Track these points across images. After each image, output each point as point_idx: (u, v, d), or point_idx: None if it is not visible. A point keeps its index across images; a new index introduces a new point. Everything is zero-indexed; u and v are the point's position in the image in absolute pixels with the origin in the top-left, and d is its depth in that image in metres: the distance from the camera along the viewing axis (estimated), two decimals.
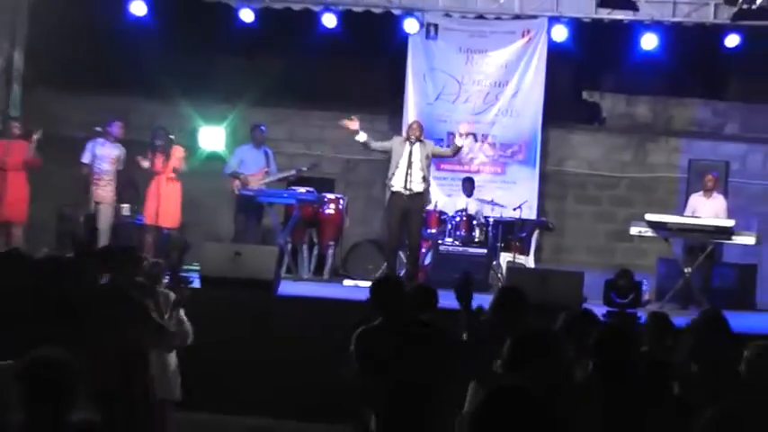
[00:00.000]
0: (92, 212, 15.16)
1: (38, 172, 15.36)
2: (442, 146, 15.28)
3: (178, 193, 15.29)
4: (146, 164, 15.06)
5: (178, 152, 15.28)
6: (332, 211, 16.11)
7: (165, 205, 15.11)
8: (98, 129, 15.37)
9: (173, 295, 8.78)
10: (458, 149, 14.34)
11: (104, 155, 15.33)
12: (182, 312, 8.69)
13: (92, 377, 7.07)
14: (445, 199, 16.18)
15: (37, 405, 4.88)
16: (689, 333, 6.56)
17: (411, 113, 16.69)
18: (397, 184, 13.48)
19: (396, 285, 7.76)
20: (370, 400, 7.18)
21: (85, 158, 15.19)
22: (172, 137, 15.27)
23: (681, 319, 7.91)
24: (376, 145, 14.12)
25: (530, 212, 16.53)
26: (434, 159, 14.73)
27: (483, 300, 7.65)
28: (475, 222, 15.59)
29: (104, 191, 15.22)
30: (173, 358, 8.79)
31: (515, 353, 5.06)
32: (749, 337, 7.43)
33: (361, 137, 13.92)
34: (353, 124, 14.07)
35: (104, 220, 15.14)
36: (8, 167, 15.18)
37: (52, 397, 4.89)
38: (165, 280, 8.91)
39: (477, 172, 16.89)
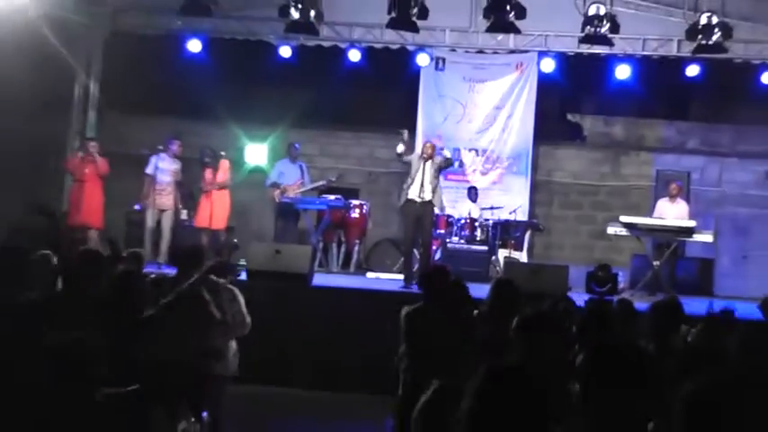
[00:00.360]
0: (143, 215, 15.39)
1: (110, 183, 15.44)
2: None
3: (227, 200, 15.44)
4: (209, 176, 15.24)
5: (224, 165, 15.39)
6: (357, 215, 16.21)
7: (216, 210, 15.25)
8: (160, 147, 15.48)
9: (236, 290, 8.97)
10: (448, 159, 14.41)
11: (165, 168, 15.38)
12: (243, 307, 8.87)
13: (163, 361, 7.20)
14: (452, 204, 16.22)
15: (62, 379, 4.92)
16: (649, 317, 6.46)
17: (422, 133, 16.75)
18: (412, 193, 13.50)
19: (444, 275, 7.78)
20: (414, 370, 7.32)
21: (149, 170, 15.28)
22: (222, 153, 15.41)
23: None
24: (406, 158, 14.18)
25: (523, 215, 16.53)
26: (442, 171, 14.90)
27: (483, 289, 7.82)
28: (477, 224, 15.61)
29: (166, 199, 15.29)
30: (233, 343, 8.98)
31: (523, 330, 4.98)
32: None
33: (400, 148, 13.96)
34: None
35: (166, 225, 15.23)
36: (86, 179, 15.28)
37: (74, 371, 4.92)
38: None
39: (479, 181, 16.92)
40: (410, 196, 13.59)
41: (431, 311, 7.36)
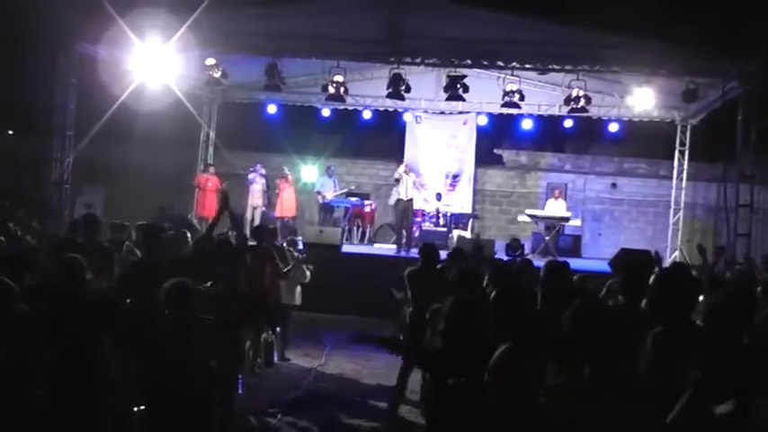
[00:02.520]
0: (244, 213, 15.15)
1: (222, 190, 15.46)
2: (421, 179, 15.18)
3: (294, 199, 15.47)
4: (283, 185, 15.26)
5: (290, 178, 15.46)
6: (368, 210, 16.07)
7: (285, 206, 15.27)
8: (251, 169, 15.54)
9: (295, 252, 8.88)
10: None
11: (255, 181, 15.47)
12: (304, 265, 8.73)
13: (250, 293, 6.95)
14: (425, 202, 16.08)
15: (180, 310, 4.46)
16: (545, 274, 5.52)
17: (406, 160, 16.30)
18: (401, 194, 13.51)
19: (434, 248, 7.23)
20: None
21: (247, 183, 15.39)
22: (288, 172, 15.50)
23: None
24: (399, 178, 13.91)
25: (468, 209, 16.51)
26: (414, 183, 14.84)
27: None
28: (440, 214, 15.57)
29: (258, 201, 15.38)
30: (298, 286, 8.85)
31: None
32: (582, 272, 6.75)
33: (396, 175, 13.72)
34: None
35: (257, 216, 15.21)
36: (208, 190, 15.34)
37: (186, 305, 4.47)
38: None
39: (443, 189, 16.72)
40: (400, 196, 13.58)
41: (426, 271, 6.93)
